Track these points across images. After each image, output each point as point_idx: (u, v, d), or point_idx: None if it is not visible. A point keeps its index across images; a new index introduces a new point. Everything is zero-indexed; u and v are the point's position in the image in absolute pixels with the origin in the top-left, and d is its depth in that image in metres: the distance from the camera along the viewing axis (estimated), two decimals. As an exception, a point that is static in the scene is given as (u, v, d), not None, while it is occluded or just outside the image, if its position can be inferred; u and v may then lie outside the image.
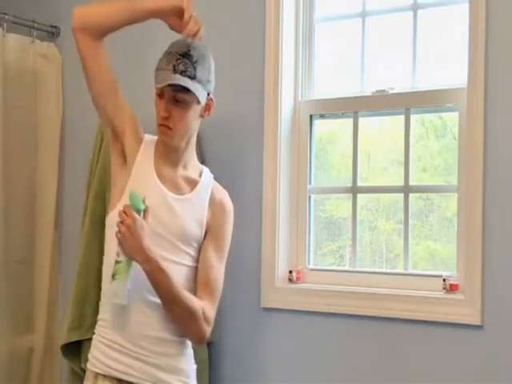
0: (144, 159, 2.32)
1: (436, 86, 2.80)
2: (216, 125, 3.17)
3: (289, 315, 2.98)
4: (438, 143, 2.95)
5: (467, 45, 2.62)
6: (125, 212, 2.17)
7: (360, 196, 2.99)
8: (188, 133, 2.30)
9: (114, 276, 2.17)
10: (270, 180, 3.02)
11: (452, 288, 2.66)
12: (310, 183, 3.08)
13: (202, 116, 2.32)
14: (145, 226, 2.19)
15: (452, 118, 2.84)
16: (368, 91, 2.96)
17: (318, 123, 3.11)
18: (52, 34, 3.62)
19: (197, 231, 2.32)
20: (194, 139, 2.35)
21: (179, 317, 2.26)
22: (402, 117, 2.88)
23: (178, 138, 2.29)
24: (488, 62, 2.59)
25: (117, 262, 2.17)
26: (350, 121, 3.00)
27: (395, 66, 2.95)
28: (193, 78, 2.23)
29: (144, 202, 2.20)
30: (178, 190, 2.32)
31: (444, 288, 2.68)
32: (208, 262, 2.34)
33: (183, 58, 2.25)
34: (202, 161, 3.16)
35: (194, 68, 2.24)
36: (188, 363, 2.36)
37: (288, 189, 3.05)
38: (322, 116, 3.09)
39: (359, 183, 2.98)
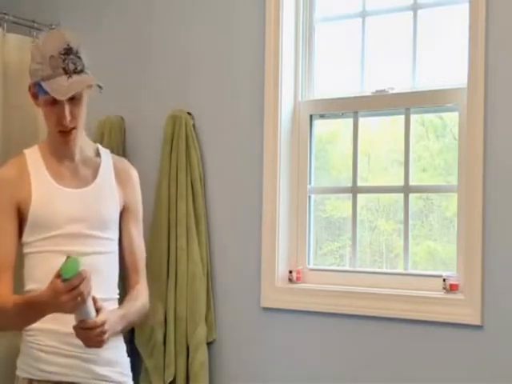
0: (38, 178, 2.29)
1: (436, 86, 2.80)
2: (216, 125, 3.18)
3: (289, 315, 2.98)
4: (438, 143, 2.95)
5: (467, 45, 2.62)
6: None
7: (360, 196, 2.99)
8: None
9: None
10: (270, 180, 3.02)
11: (452, 288, 2.66)
12: (310, 183, 3.08)
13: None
14: (112, 317, 2.17)
15: (452, 118, 2.84)
16: (368, 91, 2.96)
17: (318, 123, 3.11)
18: (52, 33, 3.61)
19: (114, 213, 2.33)
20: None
21: (137, 323, 2.43)
22: (402, 117, 2.88)
23: (80, 131, 2.28)
24: (488, 62, 2.58)
25: None
26: (350, 121, 3.00)
27: (395, 66, 2.95)
28: (83, 69, 2.20)
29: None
30: (82, 181, 2.32)
31: (444, 288, 2.68)
32: (134, 242, 2.39)
33: (67, 55, 2.18)
34: (202, 161, 3.17)
35: (80, 58, 2.20)
36: (123, 355, 2.38)
37: (288, 189, 3.05)
38: (322, 116, 3.08)
39: (359, 183, 2.98)
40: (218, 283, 3.14)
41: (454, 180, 2.78)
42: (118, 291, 2.39)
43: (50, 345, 2.24)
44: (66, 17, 3.62)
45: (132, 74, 3.37)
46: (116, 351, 2.33)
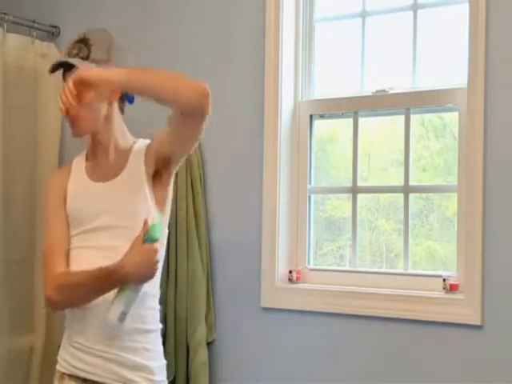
0: (75, 174, 2.35)
1: (436, 86, 2.80)
2: (216, 125, 3.17)
3: (289, 315, 2.98)
4: (438, 143, 2.95)
5: (467, 45, 2.62)
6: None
7: (360, 196, 2.99)
8: (98, 116, 2.27)
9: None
10: (270, 180, 3.02)
11: (452, 288, 2.66)
12: (310, 183, 3.08)
13: (111, 100, 2.27)
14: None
15: (452, 118, 2.84)
16: (368, 91, 2.96)
17: (318, 123, 3.11)
18: (52, 34, 3.61)
19: (141, 202, 2.27)
20: (115, 118, 2.31)
21: (168, 87, 2.21)
22: (402, 117, 2.88)
23: (85, 125, 2.27)
24: (488, 62, 2.59)
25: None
26: (350, 121, 3.00)
27: (395, 66, 2.95)
28: (85, 57, 2.24)
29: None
30: (112, 175, 2.30)
31: (444, 288, 2.68)
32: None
33: (79, 43, 2.27)
34: (202, 161, 3.17)
35: (89, 49, 2.25)
36: (153, 359, 2.31)
37: (288, 189, 3.05)
38: (322, 116, 3.08)
39: (359, 183, 2.98)
40: (218, 283, 3.14)
41: (454, 180, 2.78)
42: (158, 287, 2.36)
43: (80, 342, 2.26)
44: (66, 17, 3.63)
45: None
46: (146, 354, 2.28)
